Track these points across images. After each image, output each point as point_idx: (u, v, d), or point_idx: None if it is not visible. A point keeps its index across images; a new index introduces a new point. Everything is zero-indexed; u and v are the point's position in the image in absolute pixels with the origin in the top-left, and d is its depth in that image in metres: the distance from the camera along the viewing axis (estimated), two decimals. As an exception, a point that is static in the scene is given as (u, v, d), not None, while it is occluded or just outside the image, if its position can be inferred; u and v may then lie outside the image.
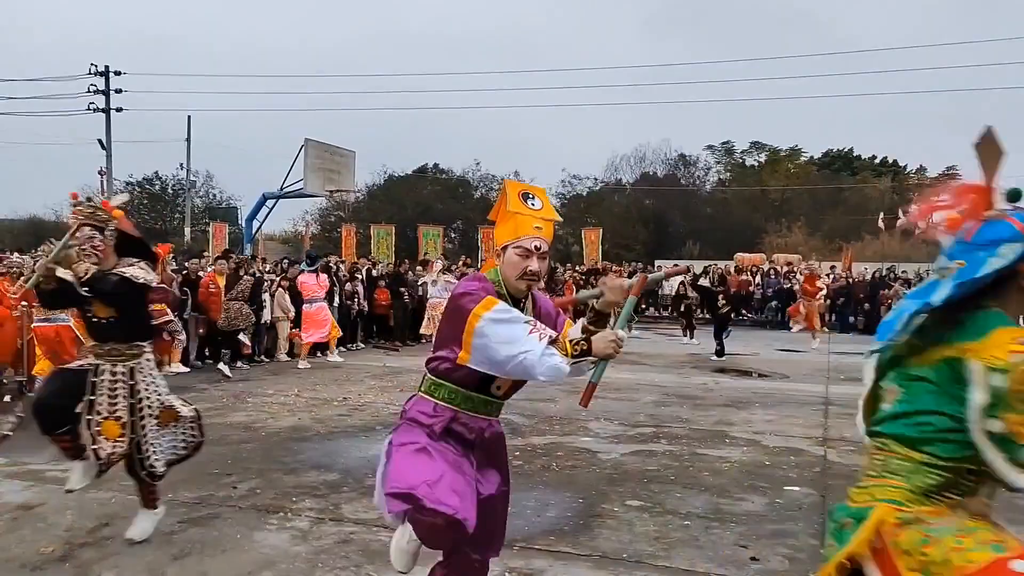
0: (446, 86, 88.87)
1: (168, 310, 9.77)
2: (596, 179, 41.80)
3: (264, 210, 25.91)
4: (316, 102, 63.49)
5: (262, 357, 12.03)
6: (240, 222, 30.65)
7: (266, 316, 11.92)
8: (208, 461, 5.90)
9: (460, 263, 18.91)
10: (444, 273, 14.65)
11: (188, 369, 10.79)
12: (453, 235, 38.68)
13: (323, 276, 12.31)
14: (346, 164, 21.79)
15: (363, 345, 14.15)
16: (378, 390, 9.40)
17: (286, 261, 13.92)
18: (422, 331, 14.54)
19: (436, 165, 43.14)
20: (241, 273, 11.47)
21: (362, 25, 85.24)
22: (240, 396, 8.84)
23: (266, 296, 11.93)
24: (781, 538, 4.43)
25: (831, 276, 21.74)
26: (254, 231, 26.65)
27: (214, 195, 42.03)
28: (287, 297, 12.14)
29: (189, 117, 32.99)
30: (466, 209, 39.59)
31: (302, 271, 12.38)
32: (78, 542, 4.19)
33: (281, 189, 24.49)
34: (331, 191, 21.11)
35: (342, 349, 13.50)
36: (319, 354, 12.22)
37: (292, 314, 12.15)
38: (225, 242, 24.73)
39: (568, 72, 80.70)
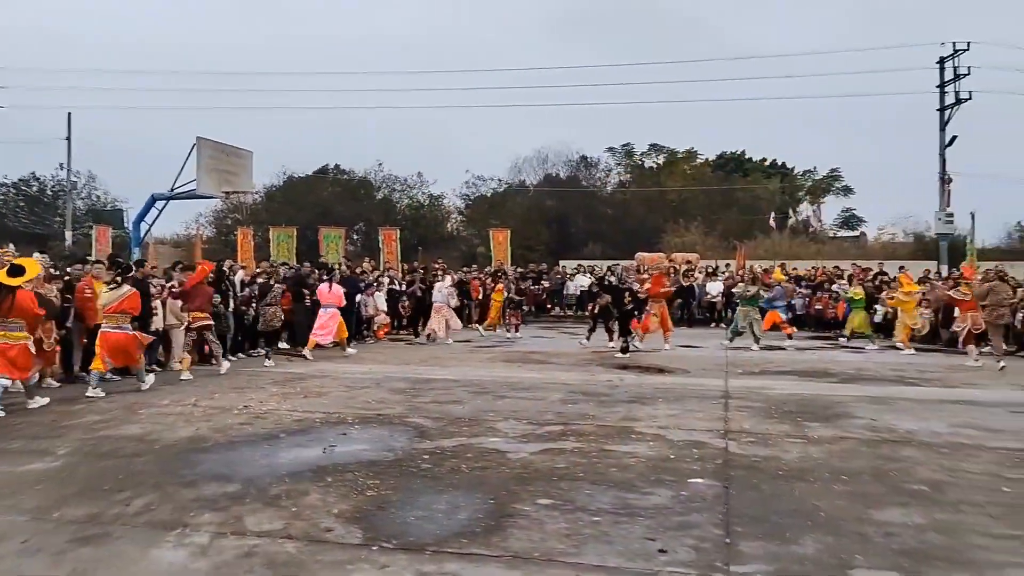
0: (346, 86, 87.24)
1: (209, 315, 11.11)
2: (500, 180, 42.08)
3: (153, 212, 24.78)
4: (211, 101, 61.21)
5: (154, 367, 11.47)
6: (127, 225, 29.21)
7: (157, 323, 11.37)
8: (99, 476, 5.59)
9: (366, 264, 18.64)
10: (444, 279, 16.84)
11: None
12: (355, 237, 38.06)
13: (336, 286, 13.76)
14: (243, 164, 21.01)
15: (262, 351, 13.70)
16: (280, 397, 9.12)
17: (180, 267, 13.30)
18: (430, 328, 16.16)
19: (337, 166, 42.40)
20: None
21: (259, 24, 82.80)
22: (132, 407, 8.40)
23: (156, 303, 11.37)
24: (687, 529, 4.54)
25: (725, 274, 22.59)
26: (143, 234, 25.43)
27: (97, 197, 39.99)
28: (179, 304, 11.61)
29: (69, 115, 31.31)
30: (368, 210, 39.04)
31: (322, 280, 14.11)
32: (-49, 571, 3.87)
33: (172, 190, 23.45)
34: (227, 192, 20.30)
35: (241, 356, 13.07)
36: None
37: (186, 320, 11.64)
38: (109, 246, 23.50)
39: (471, 73, 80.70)
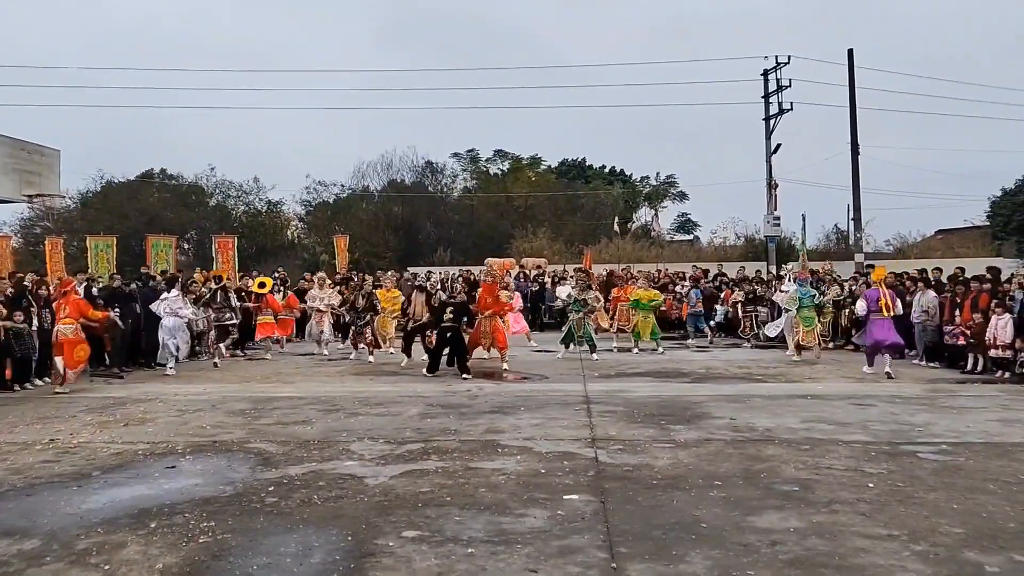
0: (171, 84, 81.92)
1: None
2: (343, 186, 40.71)
3: (-55, 219, 21.77)
4: (11, 97, 55.16)
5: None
6: (-87, 235, 25.57)
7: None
8: None
9: (199, 274, 17.19)
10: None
11: None
12: (187, 246, 35.57)
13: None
14: (49, 165, 18.63)
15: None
16: (96, 426, 7.96)
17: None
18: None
19: (163, 170, 39.45)
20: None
21: (71, 17, 76.06)
22: (-96, 449, 7.02)
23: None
24: (569, 555, 4.14)
25: (573, 277, 22.76)
26: (-68, 244, 22.33)
27: None
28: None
29: None
30: (200, 217, 36.62)
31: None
32: None
33: (-34, 194, 20.65)
34: (31, 195, 18.01)
35: (46, 380, 11.55)
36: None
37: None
38: None
39: (307, 74, 78.06)
